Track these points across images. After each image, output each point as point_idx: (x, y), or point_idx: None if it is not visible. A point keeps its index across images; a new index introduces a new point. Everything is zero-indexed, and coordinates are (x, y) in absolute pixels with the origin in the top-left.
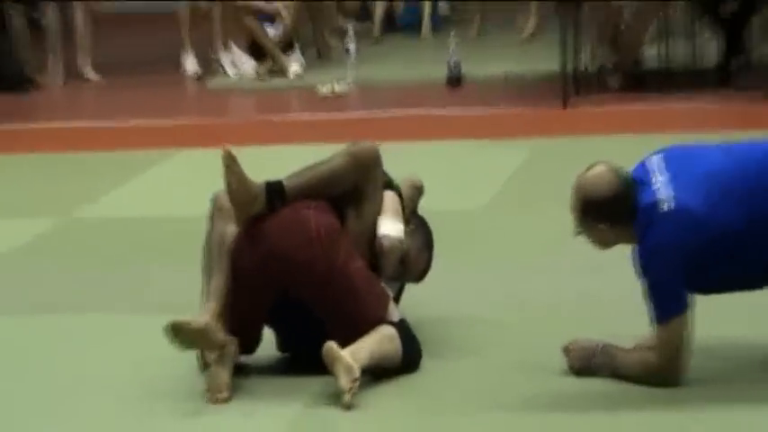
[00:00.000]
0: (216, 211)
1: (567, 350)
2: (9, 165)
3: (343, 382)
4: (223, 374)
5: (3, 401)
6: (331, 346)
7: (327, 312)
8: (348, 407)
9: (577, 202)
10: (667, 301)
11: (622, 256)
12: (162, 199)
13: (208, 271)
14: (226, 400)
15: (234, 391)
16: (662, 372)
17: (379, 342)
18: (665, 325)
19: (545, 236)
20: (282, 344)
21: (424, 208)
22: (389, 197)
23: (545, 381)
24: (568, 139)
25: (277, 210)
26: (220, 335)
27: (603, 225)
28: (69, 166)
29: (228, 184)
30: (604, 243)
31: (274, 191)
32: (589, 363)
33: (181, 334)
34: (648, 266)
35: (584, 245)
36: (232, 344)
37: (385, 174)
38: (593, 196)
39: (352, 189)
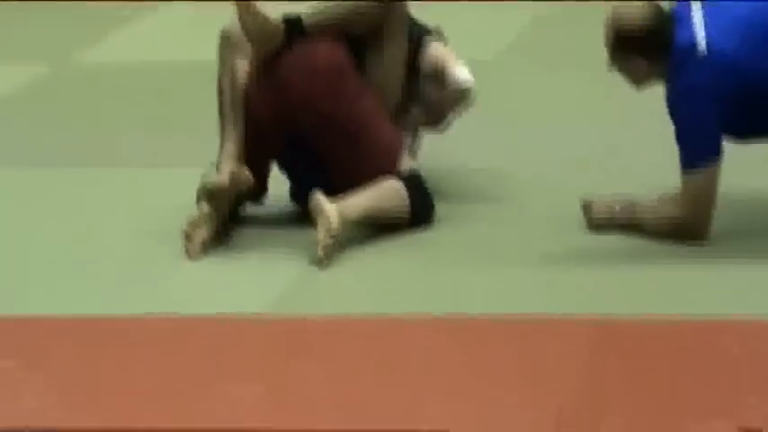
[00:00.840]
0: (225, 46)
1: (586, 206)
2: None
3: (320, 235)
4: (205, 229)
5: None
6: (317, 197)
7: (331, 155)
8: (320, 262)
9: (611, 32)
10: (696, 147)
11: (651, 107)
12: (160, 44)
13: (222, 113)
14: (194, 254)
15: (238, 245)
16: (686, 224)
17: (379, 195)
18: (692, 172)
19: (569, 89)
20: (294, 194)
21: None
22: (439, 45)
23: (566, 236)
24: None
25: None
26: (248, 177)
27: (637, 57)
28: (65, 8)
29: (244, 23)
30: (638, 79)
31: (293, 26)
32: (610, 219)
33: (216, 197)
34: (679, 108)
35: (608, 98)
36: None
37: (417, 22)
38: (626, 27)
39: (376, 28)
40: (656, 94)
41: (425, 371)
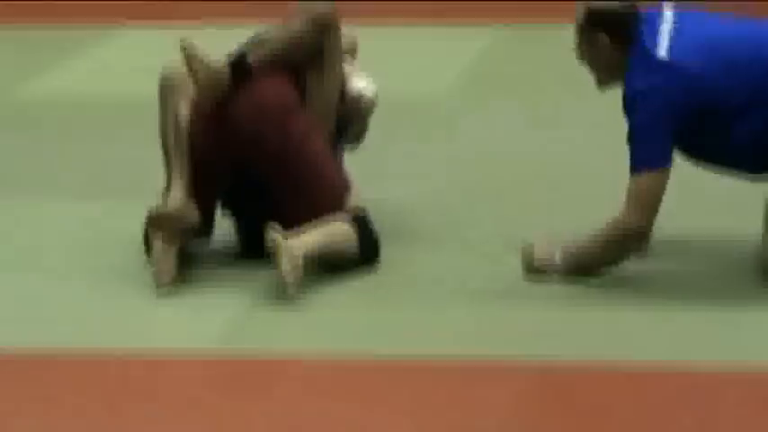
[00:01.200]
0: (167, 90)
1: (525, 251)
2: None
3: (285, 266)
4: (169, 258)
5: None
6: (274, 234)
7: (279, 194)
8: (291, 294)
9: (582, 8)
10: (647, 150)
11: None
12: (106, 78)
13: (167, 154)
14: (168, 284)
15: (182, 281)
16: (627, 224)
17: (329, 233)
18: (639, 175)
19: (511, 122)
20: (240, 232)
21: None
22: (347, 60)
23: (507, 275)
24: (534, 27)
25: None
26: (195, 214)
27: (604, 37)
28: (4, 40)
29: (191, 69)
30: (600, 66)
31: (240, 68)
32: (550, 261)
33: (158, 223)
34: (633, 108)
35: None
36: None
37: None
38: (598, 4)
39: (313, 53)
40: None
41: (362, 412)
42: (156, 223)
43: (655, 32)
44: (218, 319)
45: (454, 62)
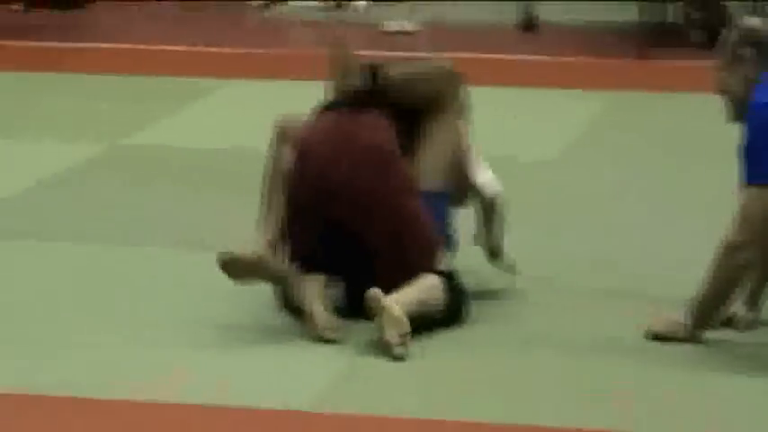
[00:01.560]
0: (278, 133)
1: (650, 326)
2: (57, 83)
3: (391, 335)
4: (321, 311)
5: (59, 334)
6: (375, 293)
7: (373, 245)
8: (400, 358)
9: (734, 30)
10: (758, 165)
11: (695, 211)
12: (215, 129)
13: (263, 196)
14: (335, 337)
15: (281, 334)
16: (731, 242)
17: (423, 292)
18: (753, 192)
19: (610, 192)
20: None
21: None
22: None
23: (602, 330)
24: (643, 94)
25: (368, 85)
26: (277, 264)
27: (752, 52)
28: (121, 88)
29: (335, 55)
30: (734, 85)
31: (369, 69)
32: (676, 322)
33: (231, 267)
34: (749, 124)
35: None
36: (317, 280)
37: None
38: (755, 26)
39: (434, 98)
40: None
41: None
42: (227, 267)
43: None
44: (318, 375)
45: (565, 127)
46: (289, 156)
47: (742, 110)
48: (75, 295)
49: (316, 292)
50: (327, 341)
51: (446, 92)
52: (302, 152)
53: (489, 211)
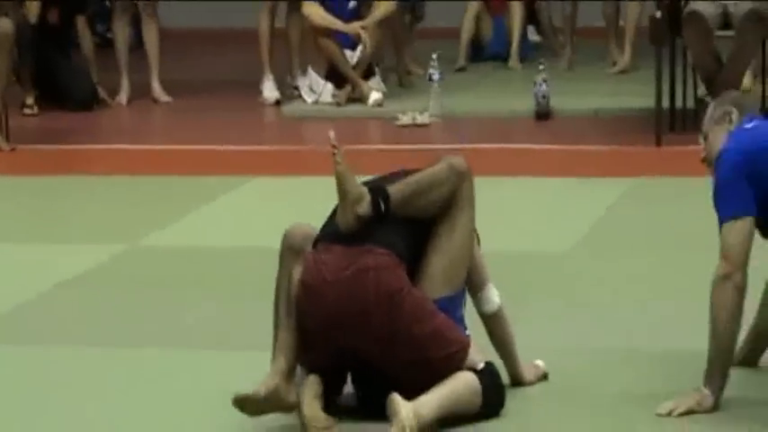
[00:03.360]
0: (286, 249)
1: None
2: (75, 185)
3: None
4: (316, 410)
5: None
6: (393, 398)
7: (396, 371)
8: None
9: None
10: (730, 201)
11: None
12: (233, 228)
13: (276, 320)
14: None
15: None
16: (724, 272)
17: (452, 391)
18: (727, 226)
19: (632, 285)
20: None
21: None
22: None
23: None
24: (662, 180)
25: (381, 214)
26: (291, 396)
27: (734, 110)
28: (138, 189)
29: (339, 176)
30: (718, 144)
31: (380, 192)
32: (697, 395)
33: (246, 406)
34: (717, 169)
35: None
36: (316, 381)
37: None
38: (736, 96)
39: (448, 201)
40: None
41: None
42: (242, 406)
43: (750, 120)
44: None
45: (580, 217)
46: (296, 276)
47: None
48: (88, 398)
49: (313, 392)
50: None
51: (456, 193)
52: (307, 297)
53: (498, 324)
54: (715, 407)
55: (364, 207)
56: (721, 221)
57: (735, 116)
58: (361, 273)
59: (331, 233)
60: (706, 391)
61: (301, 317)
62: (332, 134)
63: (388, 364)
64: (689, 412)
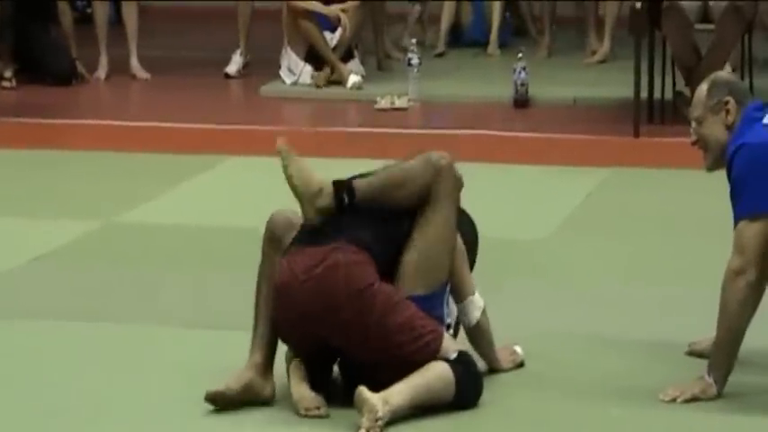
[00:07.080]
0: (267, 239)
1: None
2: (52, 160)
3: (364, 422)
4: (305, 390)
5: (46, 412)
6: (360, 390)
7: (370, 362)
8: None
9: (710, 80)
10: (748, 197)
11: (692, 293)
12: (209, 206)
13: (257, 308)
14: (321, 414)
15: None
16: (737, 267)
17: (423, 380)
18: (745, 222)
19: (610, 270)
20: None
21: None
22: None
23: (604, 411)
24: (639, 170)
25: (344, 208)
26: (266, 390)
27: (731, 99)
28: (115, 166)
29: (289, 178)
30: (717, 132)
31: (343, 185)
32: (700, 382)
33: (219, 401)
34: (737, 162)
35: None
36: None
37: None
38: (729, 79)
39: (421, 197)
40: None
41: None
42: (215, 401)
43: (760, 108)
44: None
45: (558, 204)
46: (277, 266)
47: (723, 156)
48: (63, 373)
49: (301, 374)
50: (314, 417)
51: (432, 189)
52: (280, 298)
53: (476, 335)
54: (718, 396)
55: (325, 200)
56: (738, 217)
57: (732, 106)
58: (331, 270)
59: (302, 238)
60: (710, 380)
61: (277, 319)
62: (280, 141)
63: (363, 356)
64: (693, 400)
